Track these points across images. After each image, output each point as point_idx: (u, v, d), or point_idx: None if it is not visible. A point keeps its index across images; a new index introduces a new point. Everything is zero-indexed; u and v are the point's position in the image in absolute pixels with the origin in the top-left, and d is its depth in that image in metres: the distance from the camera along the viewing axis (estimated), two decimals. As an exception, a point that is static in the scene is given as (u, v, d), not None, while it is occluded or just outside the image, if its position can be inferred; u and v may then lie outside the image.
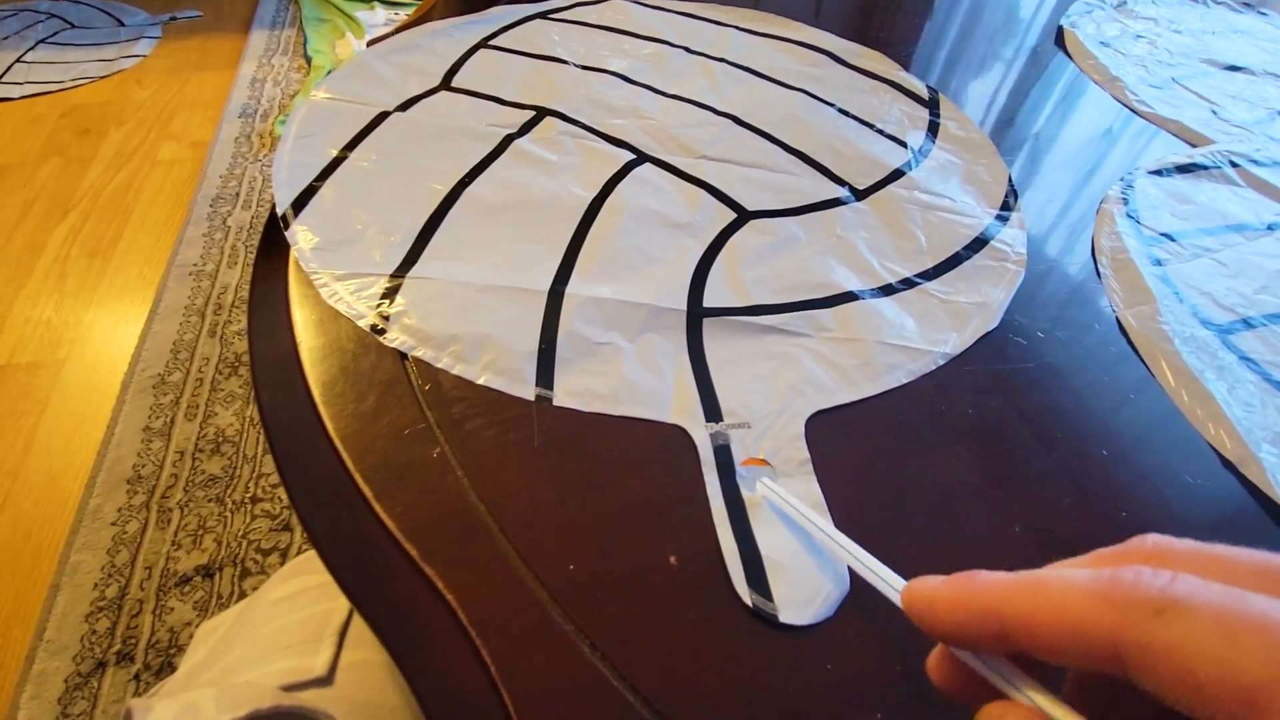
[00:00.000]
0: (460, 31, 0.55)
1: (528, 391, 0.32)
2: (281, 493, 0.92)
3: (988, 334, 0.37)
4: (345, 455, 0.29)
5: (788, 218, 0.42)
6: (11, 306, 1.15)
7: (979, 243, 0.42)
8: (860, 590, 0.26)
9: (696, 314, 0.36)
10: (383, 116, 0.46)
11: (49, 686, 0.75)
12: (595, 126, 0.47)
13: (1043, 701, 0.15)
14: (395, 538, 0.26)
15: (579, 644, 0.24)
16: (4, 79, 1.64)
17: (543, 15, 0.59)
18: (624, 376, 0.32)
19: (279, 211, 0.39)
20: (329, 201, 0.40)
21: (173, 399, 1.03)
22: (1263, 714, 0.11)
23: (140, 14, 1.92)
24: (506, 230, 0.39)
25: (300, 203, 0.39)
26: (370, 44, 0.53)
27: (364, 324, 0.34)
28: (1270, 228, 0.45)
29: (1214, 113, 0.56)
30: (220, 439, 0.98)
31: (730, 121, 0.49)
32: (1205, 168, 0.50)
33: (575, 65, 0.53)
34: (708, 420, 0.31)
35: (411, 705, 0.30)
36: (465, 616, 0.25)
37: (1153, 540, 0.15)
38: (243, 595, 0.83)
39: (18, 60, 1.70)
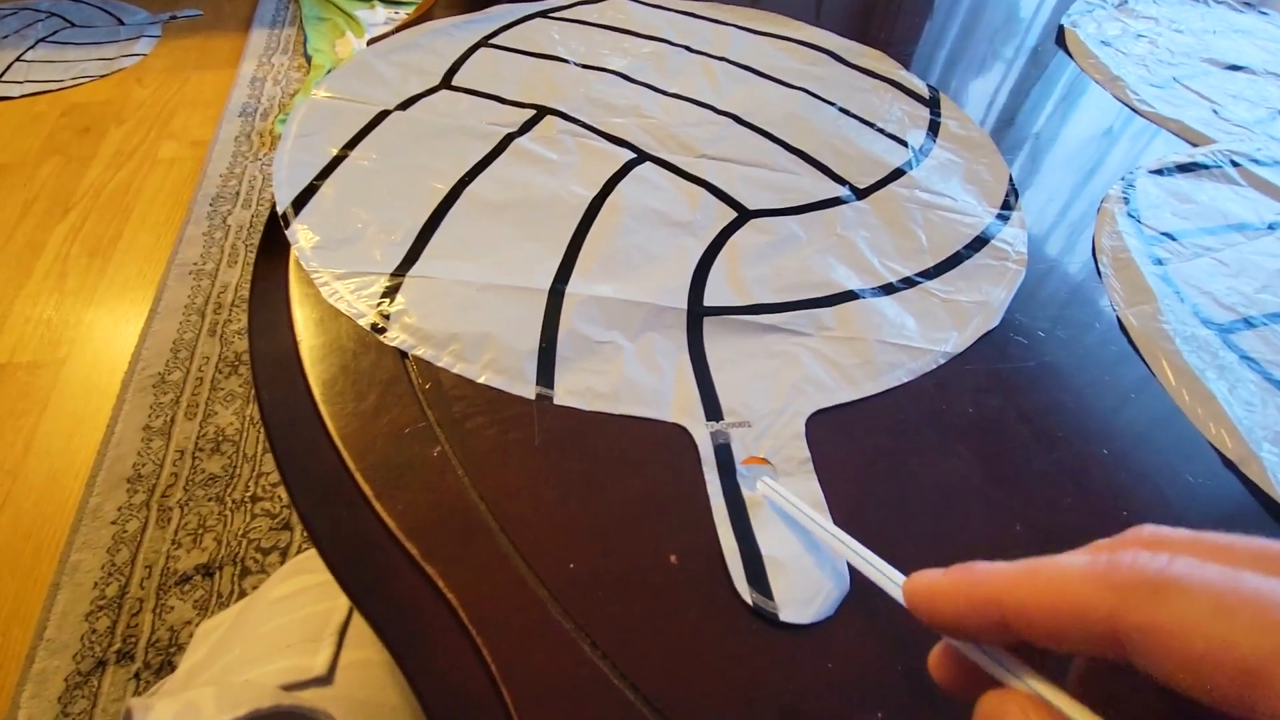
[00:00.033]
0: (460, 30, 0.55)
1: (528, 390, 0.32)
2: (281, 491, 0.92)
3: (988, 333, 0.37)
4: (345, 454, 0.29)
5: (788, 217, 0.42)
6: (12, 306, 1.15)
7: (980, 242, 0.42)
8: (861, 589, 0.26)
9: (697, 313, 0.36)
10: (383, 115, 0.46)
11: (49, 685, 0.75)
12: (595, 125, 0.47)
13: (1044, 690, 0.15)
14: (395, 536, 0.26)
15: (579, 643, 0.24)
16: (4, 78, 1.64)
17: (543, 14, 0.59)
18: (624, 375, 0.32)
19: (279, 210, 0.39)
20: (329, 200, 0.40)
21: (173, 398, 1.03)
22: (1262, 690, 0.11)
23: (140, 13, 1.91)
24: (507, 229, 0.39)
25: (300, 201, 0.39)
26: (370, 43, 0.53)
27: (364, 323, 0.34)
28: (1271, 227, 0.45)
29: (1215, 112, 0.56)
30: (220, 438, 0.98)
31: (731, 120, 0.49)
32: (1206, 167, 0.50)
33: (575, 64, 0.53)
34: (708, 419, 0.31)
35: (411, 704, 0.30)
36: (465, 615, 0.24)
37: (1149, 530, 0.15)
38: (243, 594, 0.83)
39: (17, 59, 1.70)
